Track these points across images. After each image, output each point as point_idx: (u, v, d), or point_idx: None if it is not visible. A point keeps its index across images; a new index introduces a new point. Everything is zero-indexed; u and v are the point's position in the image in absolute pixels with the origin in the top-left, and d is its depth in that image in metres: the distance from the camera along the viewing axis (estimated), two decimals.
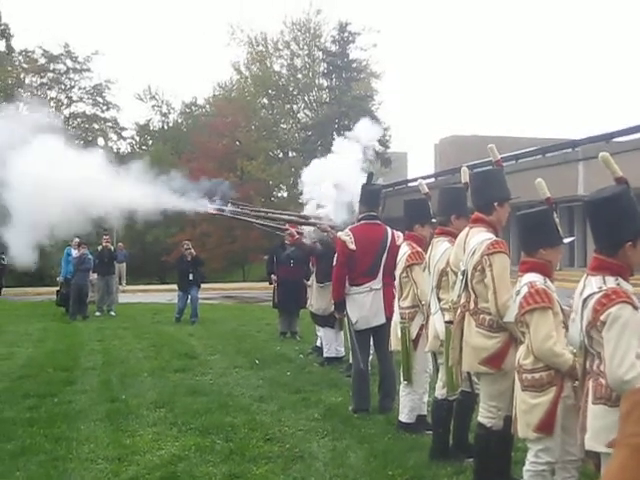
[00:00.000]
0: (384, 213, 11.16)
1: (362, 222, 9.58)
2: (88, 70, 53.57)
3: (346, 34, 50.10)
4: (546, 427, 5.21)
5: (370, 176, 9.98)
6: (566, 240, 5.92)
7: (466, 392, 6.97)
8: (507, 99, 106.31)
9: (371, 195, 9.78)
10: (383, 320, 9.23)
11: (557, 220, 5.62)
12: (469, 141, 52.24)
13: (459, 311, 6.40)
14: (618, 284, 4.44)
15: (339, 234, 9.77)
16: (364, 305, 9.34)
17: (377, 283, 9.33)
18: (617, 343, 4.26)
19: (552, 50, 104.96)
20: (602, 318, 4.32)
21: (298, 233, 12.38)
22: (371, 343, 9.68)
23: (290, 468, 7.15)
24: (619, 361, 4.23)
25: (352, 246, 9.34)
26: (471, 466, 6.73)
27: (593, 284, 4.50)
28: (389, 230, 9.53)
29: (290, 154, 53.51)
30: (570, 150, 35.98)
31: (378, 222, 9.60)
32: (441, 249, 7.30)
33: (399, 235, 9.34)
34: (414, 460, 7.24)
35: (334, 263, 9.71)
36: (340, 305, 9.60)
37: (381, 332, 9.25)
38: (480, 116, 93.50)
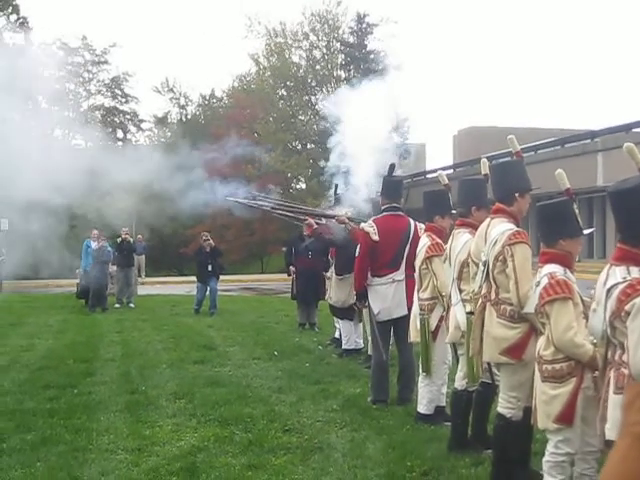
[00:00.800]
0: (407, 204, 10.95)
1: (385, 214, 9.57)
2: (106, 62, 53.80)
3: (364, 25, 49.98)
4: (566, 418, 5.20)
5: (392, 167, 9.91)
6: (586, 231, 5.89)
7: (486, 383, 6.96)
8: (525, 90, 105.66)
9: (393, 186, 9.75)
10: (405, 312, 9.20)
11: (577, 211, 5.60)
12: (487, 132, 51.90)
13: (480, 302, 6.39)
14: None
15: (362, 225, 9.75)
16: (387, 296, 9.33)
17: (400, 274, 9.31)
18: None
19: (571, 40, 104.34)
20: (627, 308, 4.27)
21: (319, 223, 12.32)
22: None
23: (309, 459, 7.17)
24: None
25: (375, 237, 9.32)
26: (489, 457, 6.73)
27: (617, 274, 4.45)
28: (412, 222, 9.50)
29: (308, 146, 53.42)
30: (589, 141, 35.78)
31: (401, 213, 9.59)
32: (462, 240, 7.28)
33: (421, 227, 9.26)
34: (432, 451, 7.24)
35: (356, 254, 9.72)
36: (362, 295, 9.61)
37: (401, 323, 9.26)
38: (498, 107, 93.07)
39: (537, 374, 5.39)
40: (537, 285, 5.41)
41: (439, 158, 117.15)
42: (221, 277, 21.12)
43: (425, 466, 6.83)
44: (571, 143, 37.03)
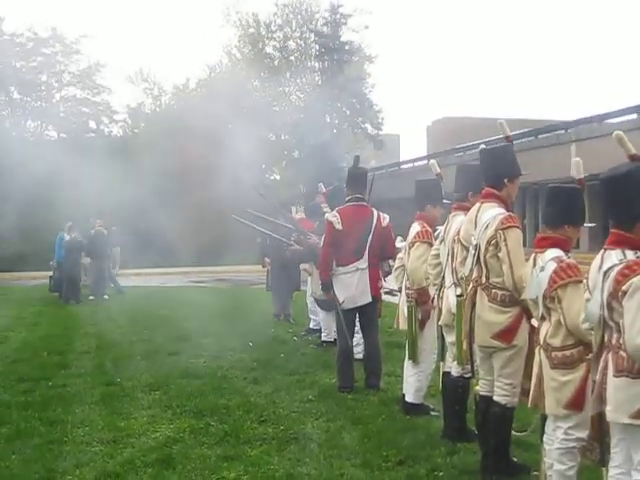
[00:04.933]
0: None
1: (349, 204, 9.75)
2: (77, 53, 53.31)
3: (338, 16, 49.89)
4: (577, 404, 5.18)
5: (357, 159, 10.12)
6: (586, 224, 5.93)
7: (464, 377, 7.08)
8: (499, 81, 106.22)
9: (358, 178, 9.93)
10: (369, 299, 9.49)
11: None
12: (461, 123, 52.26)
13: (471, 285, 6.41)
14: (638, 257, 4.47)
15: (326, 215, 10.00)
16: (351, 285, 9.50)
17: (363, 263, 9.50)
18: (637, 312, 4.24)
19: (544, 31, 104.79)
20: (624, 288, 4.32)
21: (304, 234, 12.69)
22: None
23: (285, 449, 7.19)
24: (638, 329, 4.24)
25: (339, 227, 9.53)
26: (465, 447, 6.81)
27: (613, 257, 4.52)
28: (375, 212, 9.71)
29: (282, 137, 53.30)
30: (563, 132, 35.99)
31: (364, 204, 9.77)
32: (458, 222, 7.23)
33: (385, 217, 9.64)
34: (408, 440, 7.28)
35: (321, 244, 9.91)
36: (327, 285, 9.76)
37: (366, 311, 9.56)
38: (472, 98, 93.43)
39: (544, 361, 5.35)
40: (541, 270, 5.37)
41: (413, 149, 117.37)
42: (196, 269, 21.05)
43: (401, 455, 6.88)
44: (545, 134, 37.24)
